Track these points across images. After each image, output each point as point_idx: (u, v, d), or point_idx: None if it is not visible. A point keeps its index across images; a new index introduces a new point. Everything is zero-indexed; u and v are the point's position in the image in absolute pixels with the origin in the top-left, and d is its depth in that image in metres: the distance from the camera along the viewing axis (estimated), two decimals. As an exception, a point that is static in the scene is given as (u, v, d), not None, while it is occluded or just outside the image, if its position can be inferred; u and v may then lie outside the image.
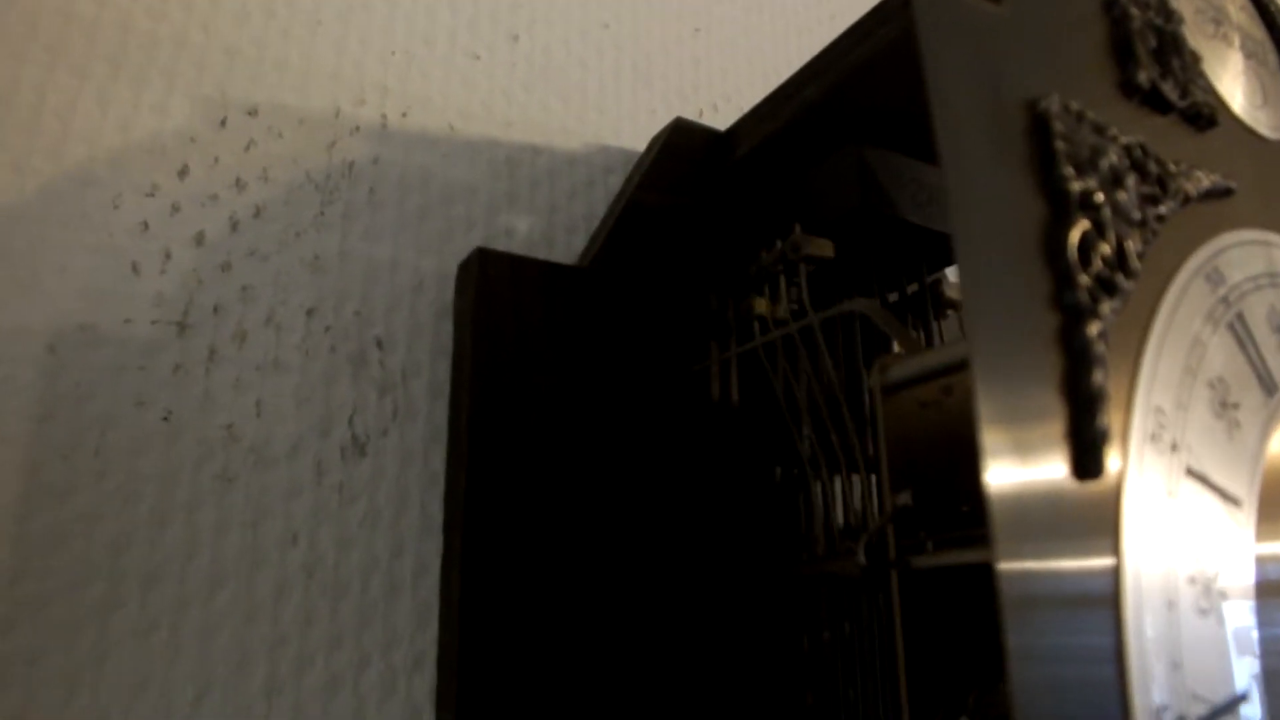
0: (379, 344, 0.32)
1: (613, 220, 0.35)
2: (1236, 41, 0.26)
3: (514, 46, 0.39)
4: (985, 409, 0.14)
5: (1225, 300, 0.20)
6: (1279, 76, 0.27)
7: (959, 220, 0.15)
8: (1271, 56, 0.27)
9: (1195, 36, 0.24)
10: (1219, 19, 0.25)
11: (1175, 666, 0.15)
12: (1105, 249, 0.17)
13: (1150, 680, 0.14)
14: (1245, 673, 0.16)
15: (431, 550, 0.31)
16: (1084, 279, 0.16)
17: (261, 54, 0.33)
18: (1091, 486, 0.15)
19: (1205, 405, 0.18)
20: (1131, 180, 0.18)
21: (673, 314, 0.35)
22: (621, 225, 0.35)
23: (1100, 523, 0.15)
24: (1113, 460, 0.16)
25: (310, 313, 0.31)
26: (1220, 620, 0.16)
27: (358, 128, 0.34)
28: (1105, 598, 0.15)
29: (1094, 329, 0.16)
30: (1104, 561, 0.15)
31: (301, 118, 0.33)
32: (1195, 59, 0.23)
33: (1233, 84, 0.25)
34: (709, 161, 0.35)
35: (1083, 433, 0.15)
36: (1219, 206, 0.22)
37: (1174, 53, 0.22)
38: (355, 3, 0.35)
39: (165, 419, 0.28)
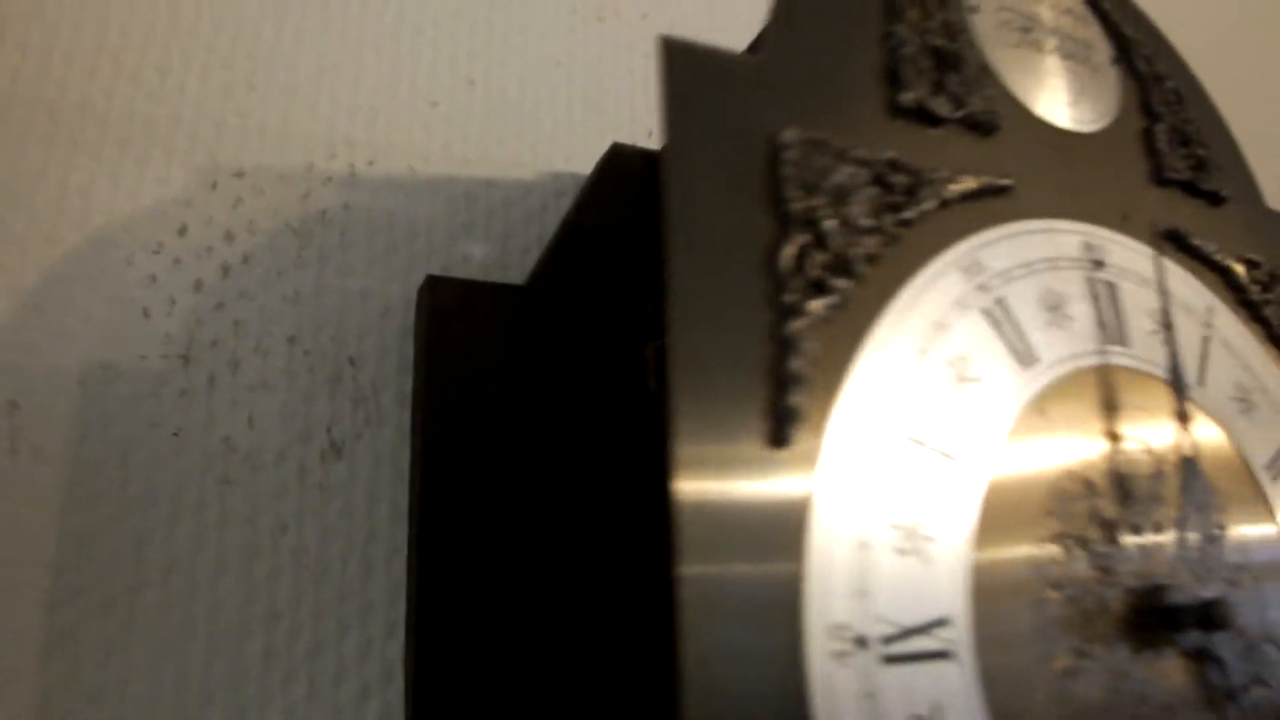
0: (352, 362, 0.37)
1: (554, 242, 0.40)
2: (1050, 45, 0.28)
3: (470, 90, 0.44)
4: (683, 389, 0.18)
5: (983, 287, 0.23)
6: (1104, 71, 0.29)
7: (675, 240, 0.19)
8: (1098, 53, 0.29)
9: (995, 48, 0.27)
10: (1028, 27, 0.28)
11: (862, 594, 0.19)
12: (820, 257, 0.20)
13: (831, 603, 0.18)
14: (955, 603, 0.20)
15: (400, 536, 0.36)
16: (796, 283, 0.20)
17: (245, 122, 0.39)
18: (788, 453, 0.19)
19: (936, 380, 0.21)
20: (868, 193, 0.22)
21: (610, 323, 0.39)
22: (562, 245, 0.40)
23: (793, 481, 0.19)
24: (815, 431, 0.19)
25: (291, 340, 0.37)
26: (926, 560, 0.20)
27: (329, 179, 0.40)
28: (794, 533, 0.18)
29: (800, 324, 0.20)
30: (797, 510, 0.19)
31: (280, 174, 0.39)
32: (983, 71, 0.26)
33: (1037, 87, 0.27)
34: (645, 180, 0.40)
35: (779, 409, 0.19)
36: (995, 203, 0.25)
37: (952, 69, 0.25)
38: (326, 66, 0.41)
39: (175, 435, 0.34)
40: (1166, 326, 0.25)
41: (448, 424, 0.35)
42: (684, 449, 0.18)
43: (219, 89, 0.39)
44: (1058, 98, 0.27)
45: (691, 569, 0.17)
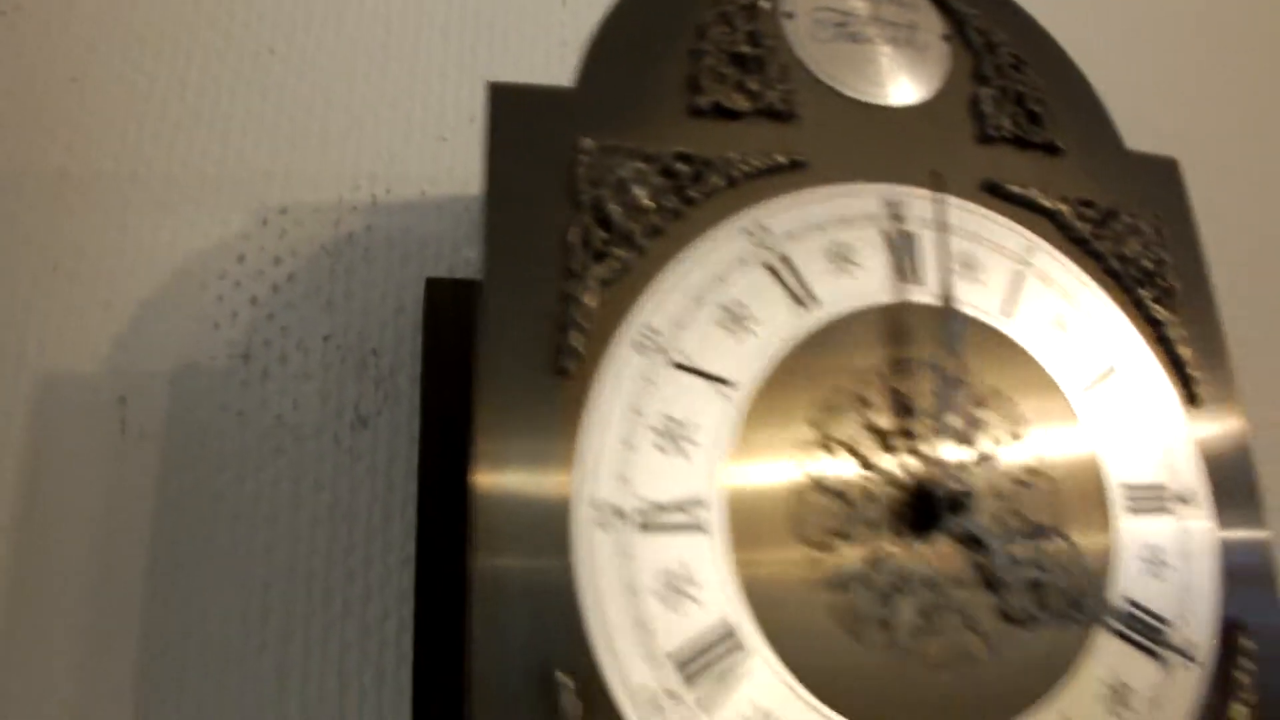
0: (374, 353, 0.46)
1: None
2: (868, 34, 0.33)
3: (471, 125, 0.52)
4: (488, 334, 0.25)
5: (765, 245, 0.28)
6: (932, 48, 0.34)
7: (492, 236, 0.26)
8: (925, 33, 0.34)
9: (807, 46, 0.32)
10: (844, 21, 0.33)
11: (623, 479, 0.25)
12: (601, 234, 0.27)
13: (597, 484, 0.24)
14: (710, 489, 0.25)
15: (412, 488, 0.44)
16: (580, 255, 0.26)
17: (287, 169, 0.49)
18: (568, 380, 0.25)
19: (711, 321, 0.27)
20: (654, 181, 0.28)
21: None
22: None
23: (575, 395, 0.25)
24: (592, 363, 0.26)
25: (326, 338, 0.46)
26: (686, 456, 0.25)
27: (355, 207, 0.49)
28: (569, 436, 0.25)
29: (579, 285, 0.26)
30: (571, 419, 0.25)
31: (315, 208, 0.48)
32: (788, 68, 0.31)
33: (849, 73, 0.32)
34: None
35: (561, 347, 0.25)
36: (788, 177, 0.30)
37: (754, 70, 0.30)
38: (351, 121, 0.51)
39: (239, 415, 0.44)
40: (948, 268, 0.29)
41: (444, 399, 0.43)
42: (485, 374, 0.25)
43: (266, 148, 0.49)
44: (871, 79, 0.32)
45: (486, 446, 0.24)
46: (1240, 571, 0.30)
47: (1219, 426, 0.32)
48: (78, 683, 0.39)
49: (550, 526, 0.24)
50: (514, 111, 0.28)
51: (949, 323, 0.28)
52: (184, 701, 0.40)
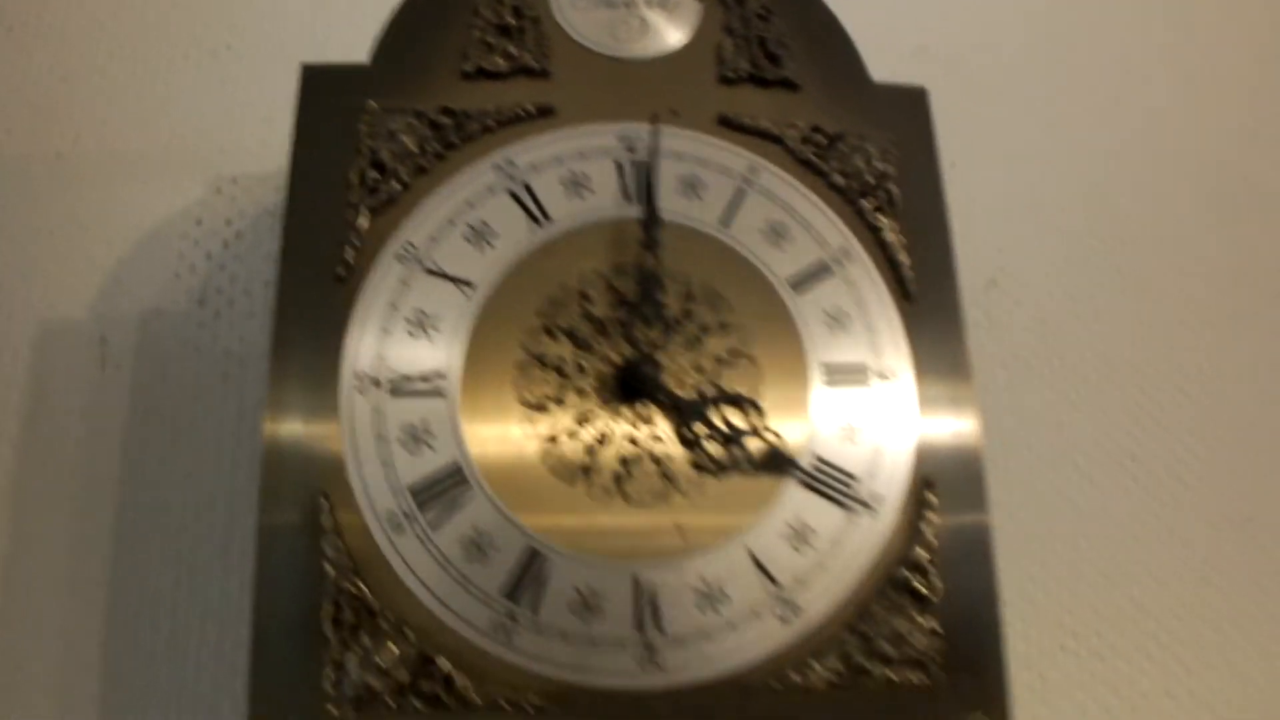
0: (305, 295, 0.56)
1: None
2: (626, 0, 0.39)
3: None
4: (288, 262, 0.33)
5: (510, 176, 0.36)
6: (685, 8, 0.40)
7: (292, 178, 0.35)
8: (680, -4, 0.40)
9: (567, 14, 0.39)
10: (607, -10, 0.39)
11: (380, 357, 0.33)
12: (373, 174, 0.35)
13: (359, 360, 0.33)
14: (450, 363, 0.33)
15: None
16: (358, 190, 0.34)
17: (238, 144, 0.59)
18: (345, 284, 0.33)
19: (460, 237, 0.35)
20: (420, 131, 0.35)
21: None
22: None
23: (349, 297, 0.33)
24: (363, 273, 0.34)
25: (266, 284, 0.56)
26: (431, 338, 0.33)
27: (291, 175, 0.58)
28: (340, 326, 0.33)
29: (355, 213, 0.34)
30: (342, 313, 0.33)
31: (260, 177, 0.58)
32: (548, 34, 0.38)
33: (603, 35, 0.39)
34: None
35: (340, 260, 0.34)
36: (539, 122, 0.37)
37: (515, 37, 0.38)
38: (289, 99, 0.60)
39: (196, 349, 0.54)
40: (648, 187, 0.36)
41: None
42: (284, 283, 0.33)
43: (221, 127, 0.59)
44: (623, 38, 0.39)
45: (284, 334, 0.32)
46: (937, 438, 0.36)
47: (932, 318, 0.37)
48: (66, 558, 0.50)
49: (325, 395, 0.33)
50: (320, 84, 0.36)
51: (652, 230, 0.35)
52: (151, 588, 0.50)
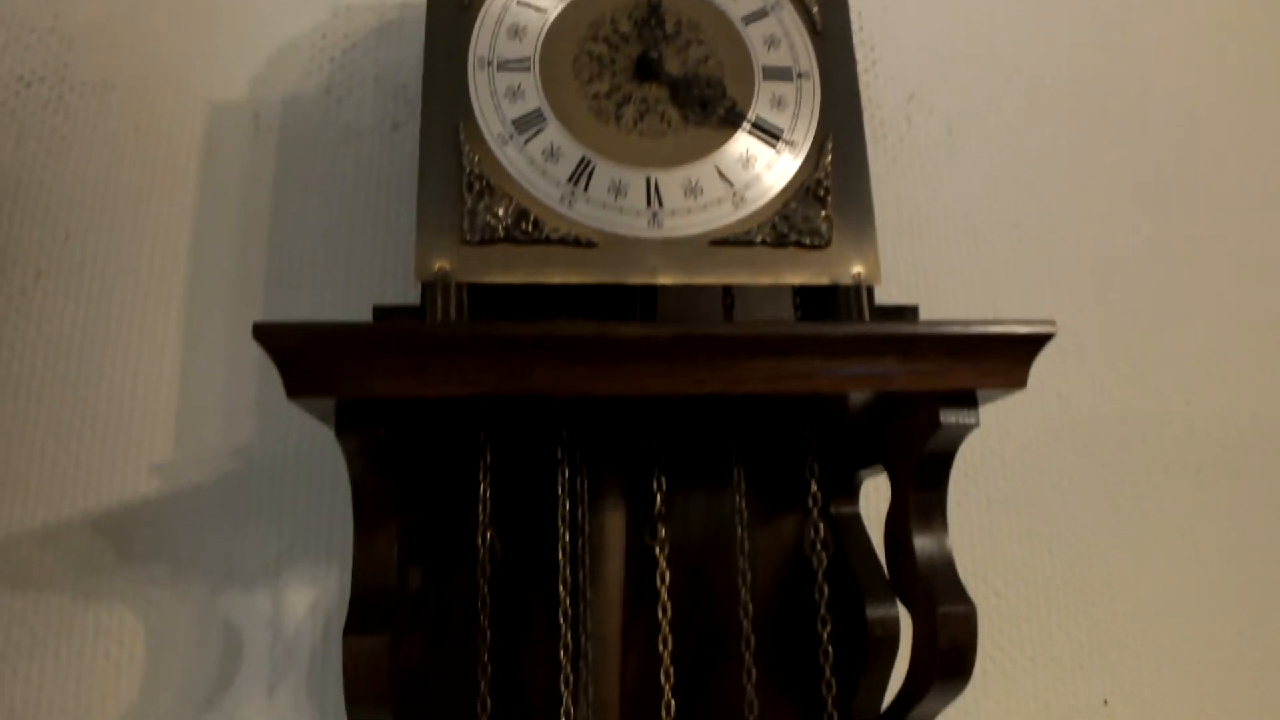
0: (404, 86, 0.77)
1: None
2: None
3: None
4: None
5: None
6: None
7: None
8: None
9: None
10: None
11: (492, 49, 0.54)
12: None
13: (478, 51, 0.54)
14: (533, 51, 0.54)
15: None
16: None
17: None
18: (469, 12, 0.54)
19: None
20: None
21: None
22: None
23: (471, 16, 0.55)
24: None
25: (375, 79, 0.76)
26: (521, 41, 0.54)
27: (398, 4, 0.79)
28: (467, 32, 0.54)
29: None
30: (468, 27, 0.54)
31: (368, 5, 0.78)
32: None
33: None
34: None
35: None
36: None
37: None
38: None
39: (322, 123, 0.75)
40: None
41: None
42: (432, 6, 0.54)
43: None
44: None
45: (435, 41, 0.54)
46: (837, 110, 0.57)
47: (831, 43, 0.58)
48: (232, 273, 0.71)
49: (460, 76, 0.54)
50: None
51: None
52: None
